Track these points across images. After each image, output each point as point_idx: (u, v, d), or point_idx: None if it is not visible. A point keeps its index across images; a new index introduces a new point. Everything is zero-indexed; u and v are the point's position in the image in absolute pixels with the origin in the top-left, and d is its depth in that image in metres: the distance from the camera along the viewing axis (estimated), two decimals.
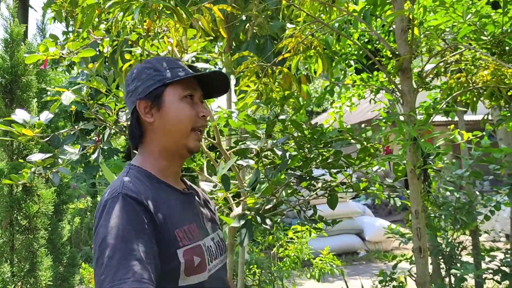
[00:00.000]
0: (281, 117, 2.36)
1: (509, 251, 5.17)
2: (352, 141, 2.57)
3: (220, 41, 5.25)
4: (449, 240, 5.28)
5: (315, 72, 3.47)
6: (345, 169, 2.70)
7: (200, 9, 2.38)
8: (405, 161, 2.08)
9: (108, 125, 2.65)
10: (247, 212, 2.54)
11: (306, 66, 3.55)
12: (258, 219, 2.41)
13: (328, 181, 2.95)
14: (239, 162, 2.50)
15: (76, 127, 2.49)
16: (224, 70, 5.79)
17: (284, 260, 6.21)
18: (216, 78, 1.46)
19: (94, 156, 2.58)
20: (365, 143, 2.57)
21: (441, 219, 5.50)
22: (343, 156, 2.69)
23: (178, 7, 1.80)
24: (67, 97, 2.34)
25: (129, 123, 1.44)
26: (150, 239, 1.18)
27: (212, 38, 5.17)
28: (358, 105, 3.90)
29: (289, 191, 2.96)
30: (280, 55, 3.20)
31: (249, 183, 2.41)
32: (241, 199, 2.72)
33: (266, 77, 3.03)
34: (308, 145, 2.51)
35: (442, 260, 5.40)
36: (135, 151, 1.46)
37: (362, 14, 2.19)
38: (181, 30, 2.41)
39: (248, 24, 5.74)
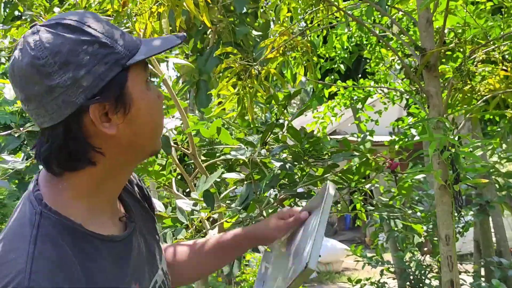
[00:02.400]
0: (280, 121, 1.96)
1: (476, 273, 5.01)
2: (355, 153, 2.22)
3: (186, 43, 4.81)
4: (418, 262, 5.06)
5: (295, 77, 3.12)
6: (344, 186, 2.34)
7: None
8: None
9: None
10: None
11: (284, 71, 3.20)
12: None
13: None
14: (227, 175, 2.08)
15: (21, 128, 1.96)
16: (181, 80, 5.35)
17: (242, 285, 5.81)
18: None
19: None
20: (368, 155, 2.23)
21: (408, 240, 5.25)
22: (341, 171, 2.33)
23: None
24: (11, 91, 1.84)
25: (54, 141, 0.84)
26: None
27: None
28: (342, 115, 3.60)
29: (270, 211, 2.56)
30: (264, 56, 2.82)
31: (239, 200, 1.99)
32: (218, 223, 2.28)
33: (250, 79, 2.64)
34: (305, 157, 2.14)
35: (409, 284, 5.18)
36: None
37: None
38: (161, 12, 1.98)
39: (209, 31, 5.35)
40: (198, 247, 1.32)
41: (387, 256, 5.79)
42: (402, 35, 2.48)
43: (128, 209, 1.01)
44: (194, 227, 1.99)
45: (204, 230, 2.48)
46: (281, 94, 1.91)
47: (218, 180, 2.76)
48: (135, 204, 1.06)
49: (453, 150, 1.67)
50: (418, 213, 3.27)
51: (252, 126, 2.00)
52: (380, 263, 5.21)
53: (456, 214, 1.75)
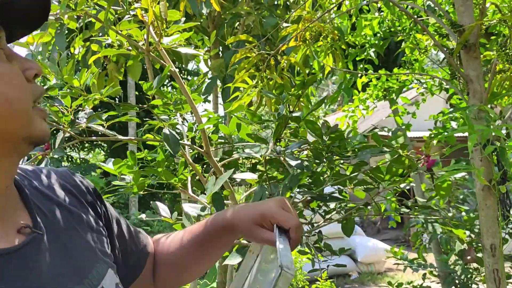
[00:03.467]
0: (296, 114, 1.73)
1: None
2: (385, 149, 1.97)
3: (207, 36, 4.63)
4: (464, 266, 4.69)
5: (323, 68, 2.87)
6: (374, 186, 2.08)
7: None
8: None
9: (62, 126, 1.99)
10: (246, 242, 1.90)
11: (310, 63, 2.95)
12: None
13: (344, 201, 2.32)
14: (237, 175, 1.87)
15: None
16: (210, 74, 5.18)
17: None
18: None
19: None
20: (400, 151, 1.97)
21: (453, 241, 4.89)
22: (370, 170, 2.08)
23: None
24: None
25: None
26: None
27: (199, 25, 4.51)
28: (375, 108, 3.32)
29: None
30: (284, 44, 2.59)
31: None
32: None
33: (269, 70, 2.42)
34: (327, 154, 1.90)
35: None
36: None
37: None
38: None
39: (237, 23, 5.15)
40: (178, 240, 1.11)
41: (431, 258, 5.44)
42: (439, 13, 2.20)
43: (37, 217, 0.81)
44: None
45: None
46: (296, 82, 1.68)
47: (238, 180, 2.56)
48: (58, 208, 0.86)
49: (498, 144, 1.40)
50: (463, 213, 2.95)
51: (262, 120, 1.78)
52: (422, 266, 4.88)
53: (503, 220, 1.47)
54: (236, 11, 4.74)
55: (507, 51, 1.38)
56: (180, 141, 2.23)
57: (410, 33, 2.53)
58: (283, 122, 1.67)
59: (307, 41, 2.52)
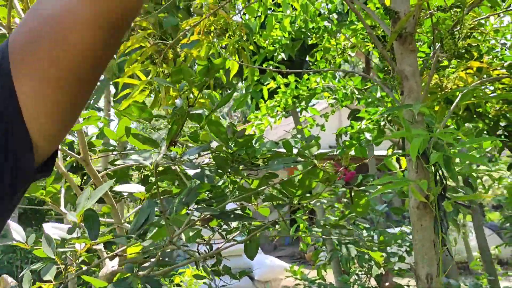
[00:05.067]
0: (198, 111, 1.38)
1: None
2: (299, 158, 1.69)
3: None
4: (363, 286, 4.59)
5: (228, 71, 2.56)
6: (285, 202, 1.79)
7: None
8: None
9: None
10: (128, 271, 1.50)
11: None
12: (148, 286, 1.40)
13: (248, 219, 2.00)
14: (118, 188, 1.48)
15: None
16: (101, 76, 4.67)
17: None
18: None
19: None
20: (316, 162, 1.70)
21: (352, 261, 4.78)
22: (280, 183, 1.79)
23: None
24: None
25: None
26: None
27: None
28: (282, 117, 3.06)
29: (191, 234, 1.98)
30: (184, 34, 2.25)
31: (134, 224, 1.39)
32: (118, 250, 1.66)
33: (166, 64, 2.05)
34: (233, 163, 1.58)
35: None
36: None
37: None
38: None
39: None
40: None
41: (331, 275, 5.31)
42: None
43: None
44: (66, 265, 1.36)
45: (99, 260, 1.84)
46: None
47: (125, 194, 2.15)
48: None
49: (436, 152, 1.16)
50: (375, 236, 2.77)
51: (152, 116, 1.41)
52: (322, 286, 4.72)
53: (441, 245, 1.23)
54: None
55: (455, 39, 1.15)
56: None
57: (324, 35, 2.32)
58: (179, 120, 1.31)
59: (211, 35, 2.20)
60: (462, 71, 1.99)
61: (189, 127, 1.99)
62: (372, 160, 7.37)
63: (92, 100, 4.39)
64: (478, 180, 3.94)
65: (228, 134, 1.63)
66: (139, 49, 2.02)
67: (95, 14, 0.53)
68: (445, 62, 1.54)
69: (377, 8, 2.18)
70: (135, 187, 1.53)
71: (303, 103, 2.73)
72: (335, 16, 2.84)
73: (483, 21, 2.11)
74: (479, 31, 1.57)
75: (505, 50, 2.44)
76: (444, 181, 1.22)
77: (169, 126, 1.40)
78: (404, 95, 1.30)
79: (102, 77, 4.76)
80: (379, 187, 1.36)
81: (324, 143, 4.56)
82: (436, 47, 1.27)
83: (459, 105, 1.86)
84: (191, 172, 1.40)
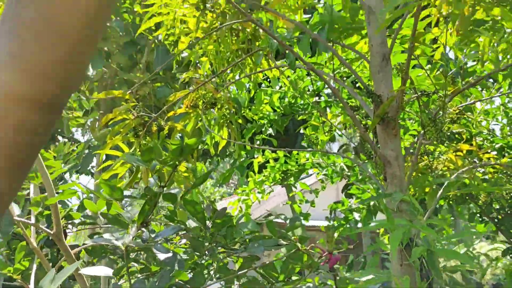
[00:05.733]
0: (172, 191, 1.32)
1: None
2: (282, 241, 1.60)
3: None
4: None
5: (217, 145, 2.52)
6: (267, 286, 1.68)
7: None
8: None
9: None
10: None
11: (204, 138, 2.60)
12: None
13: None
14: (84, 271, 1.38)
15: None
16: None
17: None
18: None
19: None
20: (298, 245, 1.62)
21: None
22: (262, 266, 1.69)
23: None
24: None
25: None
26: None
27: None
28: (271, 191, 2.99)
29: None
30: (172, 111, 2.24)
31: None
32: None
33: (150, 137, 2.01)
34: (211, 245, 1.49)
35: None
36: None
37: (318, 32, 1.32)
38: None
39: (129, 92, 4.76)
40: None
41: None
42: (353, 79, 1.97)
43: None
44: None
45: None
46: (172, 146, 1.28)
47: None
48: None
49: (422, 244, 1.08)
50: None
51: (121, 196, 1.34)
52: None
53: None
54: (128, 77, 4.36)
55: (437, 127, 1.11)
56: (19, 218, 1.71)
57: (313, 111, 2.30)
58: (151, 200, 1.25)
59: (198, 109, 2.18)
60: (452, 153, 1.95)
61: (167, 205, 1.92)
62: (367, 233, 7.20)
63: (81, 167, 4.34)
64: (475, 260, 3.80)
65: (207, 213, 1.55)
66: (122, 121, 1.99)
67: (30, 93, 0.48)
68: (431, 148, 1.50)
69: (358, 87, 2.17)
70: (102, 270, 1.43)
71: (292, 179, 2.68)
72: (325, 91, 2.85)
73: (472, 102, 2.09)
74: (465, 116, 1.55)
75: (495, 132, 2.42)
76: (431, 276, 1.13)
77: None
78: (387, 181, 1.24)
79: (95, 143, 4.73)
80: (363, 278, 1.27)
81: (320, 215, 4.44)
82: (421, 134, 1.23)
83: (450, 188, 1.80)
84: (162, 255, 1.31)
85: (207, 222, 1.51)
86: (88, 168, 4.45)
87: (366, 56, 1.71)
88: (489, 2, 1.53)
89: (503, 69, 1.24)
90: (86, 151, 4.24)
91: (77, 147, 5.32)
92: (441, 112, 1.15)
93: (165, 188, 1.28)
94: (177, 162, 1.25)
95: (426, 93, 1.24)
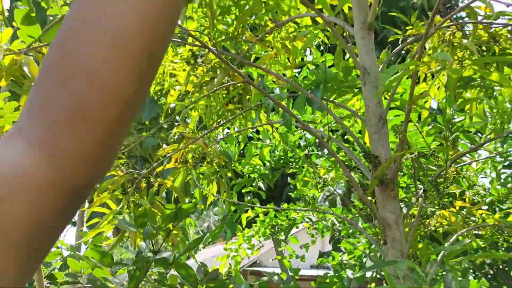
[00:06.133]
0: (164, 254, 1.26)
1: None
2: None
3: None
4: None
5: (205, 198, 2.48)
6: None
7: None
8: None
9: None
10: None
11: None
12: None
13: None
14: None
15: None
16: None
17: None
18: None
19: None
20: None
21: None
22: None
23: None
24: None
25: None
26: None
27: None
28: (261, 247, 2.93)
29: None
30: (162, 165, 2.20)
31: None
32: None
33: (138, 194, 1.97)
34: None
35: None
36: None
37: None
38: None
39: None
40: None
41: None
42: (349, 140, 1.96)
43: None
44: None
45: None
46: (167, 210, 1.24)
47: None
48: None
49: None
50: None
51: (111, 262, 1.29)
52: None
53: None
54: None
55: (439, 189, 1.10)
56: None
57: (304, 165, 2.29)
58: (143, 266, 1.19)
59: (188, 164, 2.15)
60: (445, 209, 1.93)
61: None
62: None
63: None
64: None
65: (198, 275, 1.50)
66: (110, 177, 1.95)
67: (54, 178, 0.44)
68: (427, 210, 1.48)
69: (346, 140, 2.17)
70: None
71: (282, 234, 2.63)
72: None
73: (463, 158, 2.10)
74: (461, 175, 1.54)
75: (485, 186, 2.43)
76: None
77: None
78: (387, 244, 1.21)
79: None
80: None
81: (305, 263, 4.36)
82: (419, 196, 1.21)
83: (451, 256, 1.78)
84: None
85: (200, 286, 1.45)
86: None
87: (359, 113, 1.71)
88: (477, 60, 1.55)
89: (506, 135, 1.25)
90: None
91: None
92: (443, 177, 1.15)
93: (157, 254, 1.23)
94: (171, 227, 1.21)
95: (423, 154, 1.24)
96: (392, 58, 1.69)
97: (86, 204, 4.55)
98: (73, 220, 5.48)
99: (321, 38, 1.86)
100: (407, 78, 1.54)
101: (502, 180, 2.75)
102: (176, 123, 4.50)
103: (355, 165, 1.37)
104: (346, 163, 1.72)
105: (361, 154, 1.88)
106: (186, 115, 2.50)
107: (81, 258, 1.33)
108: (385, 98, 1.59)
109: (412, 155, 1.27)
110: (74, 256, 2.17)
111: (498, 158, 2.66)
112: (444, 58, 1.07)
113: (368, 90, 1.37)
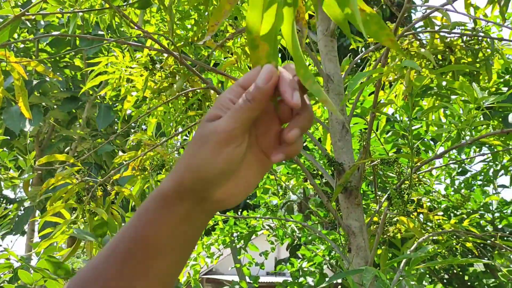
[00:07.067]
0: None
1: None
2: None
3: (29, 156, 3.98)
4: None
5: None
6: None
7: None
8: None
9: None
10: None
11: None
12: None
13: None
14: None
15: None
16: (28, 203, 4.37)
17: None
18: None
19: None
20: None
21: None
22: None
23: None
24: None
25: None
26: None
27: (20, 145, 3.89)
28: (221, 255, 2.88)
29: None
30: (119, 173, 2.13)
31: None
32: None
33: (94, 203, 1.89)
34: None
35: None
36: None
37: None
38: None
39: (68, 148, 4.56)
40: None
41: None
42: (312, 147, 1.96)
43: None
44: None
45: None
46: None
47: None
48: None
49: None
50: None
51: (67, 274, 1.23)
52: None
53: None
54: (67, 134, 4.19)
55: (404, 197, 1.10)
56: None
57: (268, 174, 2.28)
58: None
59: (146, 171, 2.09)
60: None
61: None
62: None
63: (14, 230, 4.05)
64: None
65: None
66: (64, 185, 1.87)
67: None
68: (392, 218, 1.49)
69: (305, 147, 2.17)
70: None
71: (241, 241, 2.60)
72: None
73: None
74: (421, 182, 1.56)
75: (440, 192, 2.48)
76: None
77: None
78: (352, 252, 1.20)
79: (27, 204, 4.44)
80: None
81: (262, 270, 4.34)
82: (382, 203, 1.22)
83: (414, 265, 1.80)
84: None
85: None
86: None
87: (322, 120, 1.72)
88: (437, 70, 1.58)
89: (470, 142, 1.27)
90: (20, 212, 3.97)
91: (11, 205, 4.99)
92: (407, 185, 1.16)
93: None
94: None
95: (386, 161, 1.25)
96: (354, 65, 1.71)
97: (37, 214, 4.38)
98: (24, 230, 5.27)
99: (283, 45, 1.86)
100: (374, 86, 1.56)
101: (455, 186, 2.83)
102: (132, 130, 4.40)
103: (318, 171, 1.36)
104: (308, 170, 1.72)
105: (321, 161, 1.88)
106: (144, 122, 2.44)
107: (34, 270, 1.26)
108: (347, 106, 1.60)
109: (375, 162, 1.27)
110: (26, 268, 2.07)
111: (452, 165, 2.74)
112: (413, 67, 1.08)
113: (332, 97, 1.37)
